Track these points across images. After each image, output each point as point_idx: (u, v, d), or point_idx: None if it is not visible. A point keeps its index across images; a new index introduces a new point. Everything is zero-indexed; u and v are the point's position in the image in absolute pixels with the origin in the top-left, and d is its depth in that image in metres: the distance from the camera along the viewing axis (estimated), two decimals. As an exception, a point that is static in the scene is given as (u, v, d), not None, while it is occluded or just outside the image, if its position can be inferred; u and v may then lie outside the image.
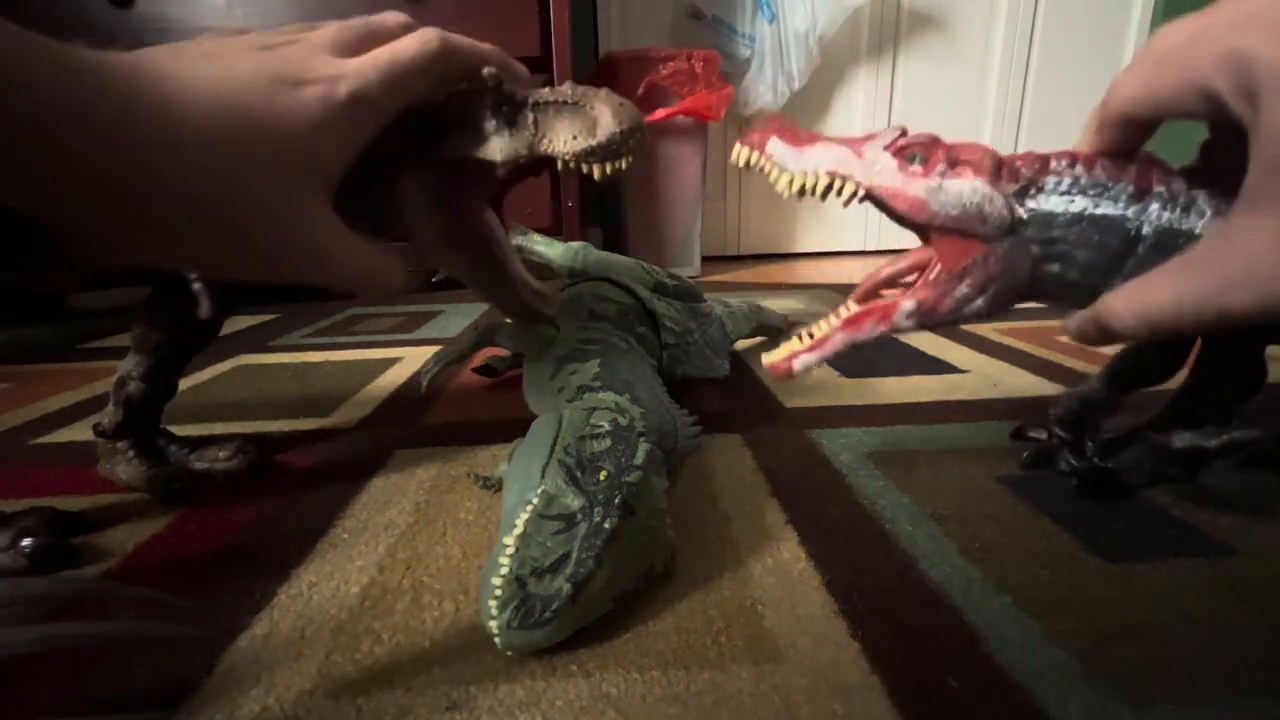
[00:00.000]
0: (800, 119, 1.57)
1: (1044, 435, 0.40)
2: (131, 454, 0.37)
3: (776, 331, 0.73)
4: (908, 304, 0.29)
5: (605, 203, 1.43)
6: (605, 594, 0.25)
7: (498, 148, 0.30)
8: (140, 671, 0.24)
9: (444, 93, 0.30)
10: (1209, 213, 0.25)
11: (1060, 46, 1.55)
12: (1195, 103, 0.21)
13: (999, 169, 0.27)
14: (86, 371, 0.68)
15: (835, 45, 1.47)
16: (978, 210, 0.27)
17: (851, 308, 0.30)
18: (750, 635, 0.25)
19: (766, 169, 0.29)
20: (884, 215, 0.29)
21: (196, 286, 0.30)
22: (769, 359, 0.31)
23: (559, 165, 0.30)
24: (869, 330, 0.29)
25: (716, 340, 0.56)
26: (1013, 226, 0.27)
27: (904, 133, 0.28)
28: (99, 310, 0.93)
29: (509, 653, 0.24)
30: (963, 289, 0.28)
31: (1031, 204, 0.27)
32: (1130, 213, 0.26)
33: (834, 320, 0.30)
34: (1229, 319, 0.21)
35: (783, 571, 0.29)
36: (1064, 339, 0.66)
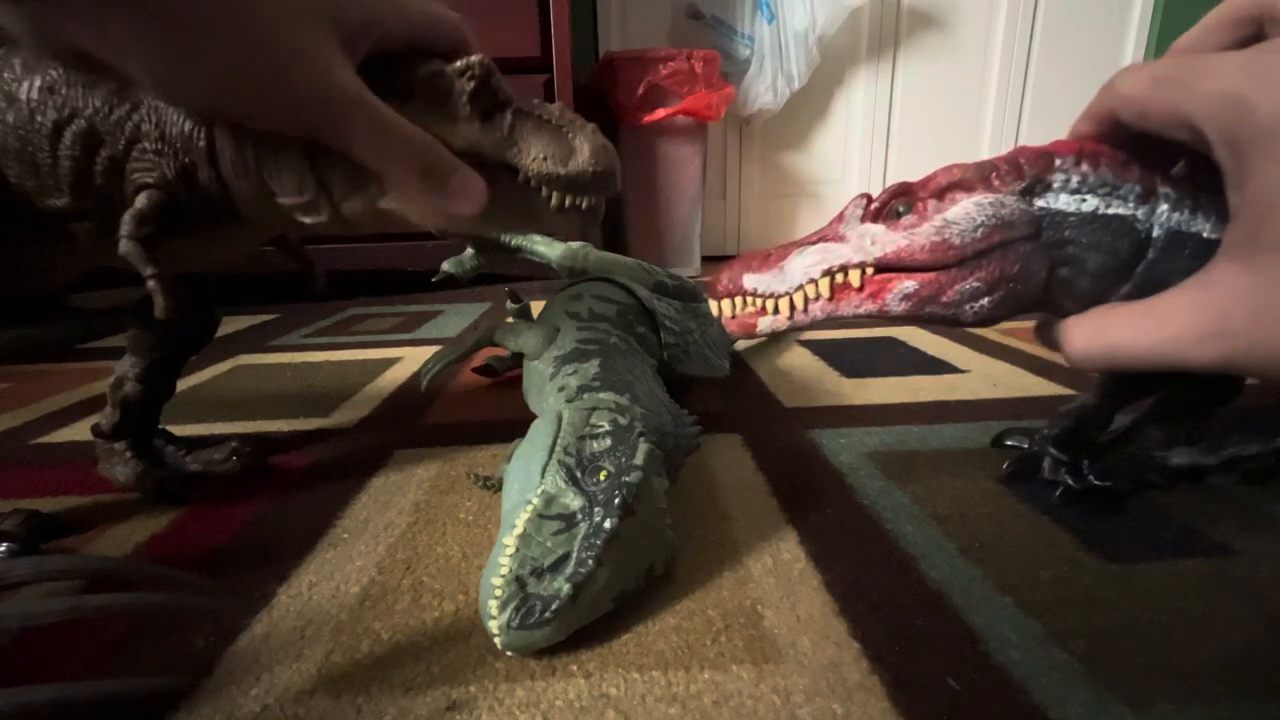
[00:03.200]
0: (800, 119, 1.57)
1: (1025, 443, 0.39)
2: (129, 454, 0.37)
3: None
4: (908, 284, 0.26)
5: (605, 203, 1.43)
6: (605, 594, 0.25)
7: (460, 134, 0.28)
8: (162, 643, 0.25)
9: (430, 54, 0.28)
10: (1214, 216, 0.24)
11: (1060, 46, 1.55)
12: (1179, 131, 0.21)
13: (987, 175, 0.26)
14: (86, 371, 0.68)
15: (835, 45, 1.47)
16: (998, 219, 0.25)
17: (840, 278, 0.27)
18: (750, 635, 0.25)
19: (756, 306, 0.27)
20: (908, 314, 0.26)
21: (151, 284, 0.29)
22: (729, 314, 0.29)
23: (519, 178, 0.28)
24: (854, 305, 0.27)
25: (716, 340, 0.56)
26: (1039, 226, 0.25)
27: (868, 197, 0.27)
28: (99, 310, 0.93)
29: (509, 653, 0.24)
30: (973, 281, 0.26)
31: (1041, 203, 0.25)
32: (1140, 214, 0.25)
33: (824, 287, 0.28)
34: (1187, 369, 0.20)
35: (783, 571, 0.29)
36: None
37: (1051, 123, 1.59)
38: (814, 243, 0.27)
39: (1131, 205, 0.25)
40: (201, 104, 0.25)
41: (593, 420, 0.30)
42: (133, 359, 0.37)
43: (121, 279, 0.36)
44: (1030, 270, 0.25)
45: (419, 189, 0.26)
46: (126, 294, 0.34)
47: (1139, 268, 0.25)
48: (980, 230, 0.25)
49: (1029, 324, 0.28)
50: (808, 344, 0.70)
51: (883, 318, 0.27)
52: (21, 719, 0.19)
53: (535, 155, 0.27)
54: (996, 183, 0.26)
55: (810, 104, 1.56)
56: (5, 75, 0.28)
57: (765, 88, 1.42)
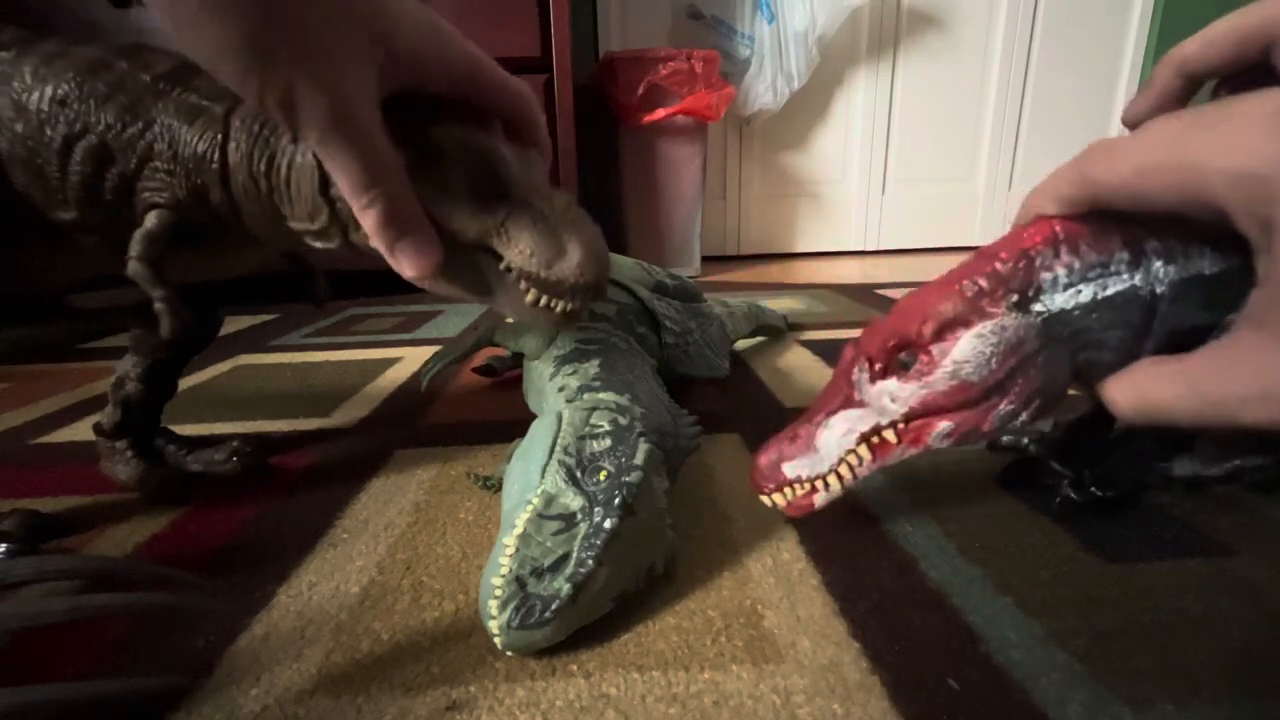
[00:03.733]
0: (800, 119, 1.57)
1: (1019, 446, 0.39)
2: (130, 454, 0.37)
3: (777, 331, 0.73)
4: (944, 425, 0.26)
5: (605, 203, 1.43)
6: (605, 594, 0.25)
7: (448, 211, 0.26)
8: (162, 643, 0.25)
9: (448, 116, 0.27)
10: (1207, 249, 0.24)
11: (1060, 46, 1.55)
12: (1187, 208, 0.20)
13: (977, 303, 0.25)
14: (86, 371, 0.68)
15: (835, 45, 1.47)
16: (1005, 345, 0.24)
17: (880, 435, 0.27)
18: (750, 635, 0.25)
19: (805, 491, 0.27)
20: (948, 441, 0.26)
21: (159, 306, 0.29)
22: (783, 501, 0.28)
23: (501, 265, 0.27)
24: (898, 455, 0.27)
25: (716, 340, 0.56)
26: (1046, 325, 0.25)
27: (868, 357, 0.26)
28: (99, 310, 0.93)
29: (509, 653, 0.24)
30: (1004, 407, 0.25)
31: (1039, 308, 0.25)
32: (1139, 280, 0.24)
33: (864, 453, 0.27)
34: (1239, 427, 0.20)
35: (783, 571, 0.29)
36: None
37: (1051, 123, 1.59)
38: (834, 411, 0.27)
39: (1127, 277, 0.24)
40: (206, 53, 0.23)
41: (593, 420, 0.30)
42: (135, 358, 0.37)
43: (122, 280, 0.36)
44: (1055, 375, 0.25)
45: (373, 232, 0.26)
46: (126, 294, 0.34)
47: (1155, 324, 0.24)
48: (994, 361, 0.24)
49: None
50: (808, 344, 0.70)
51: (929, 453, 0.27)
52: (21, 719, 0.19)
53: (521, 248, 0.26)
54: (989, 307, 0.25)
55: (810, 104, 1.56)
56: (15, 84, 0.28)
57: (765, 88, 1.42)
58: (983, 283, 0.24)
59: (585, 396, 0.34)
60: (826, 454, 0.27)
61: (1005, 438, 0.40)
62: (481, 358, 0.59)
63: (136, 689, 0.23)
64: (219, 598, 0.28)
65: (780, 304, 0.94)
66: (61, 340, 0.84)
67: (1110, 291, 0.24)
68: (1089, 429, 0.34)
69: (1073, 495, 0.33)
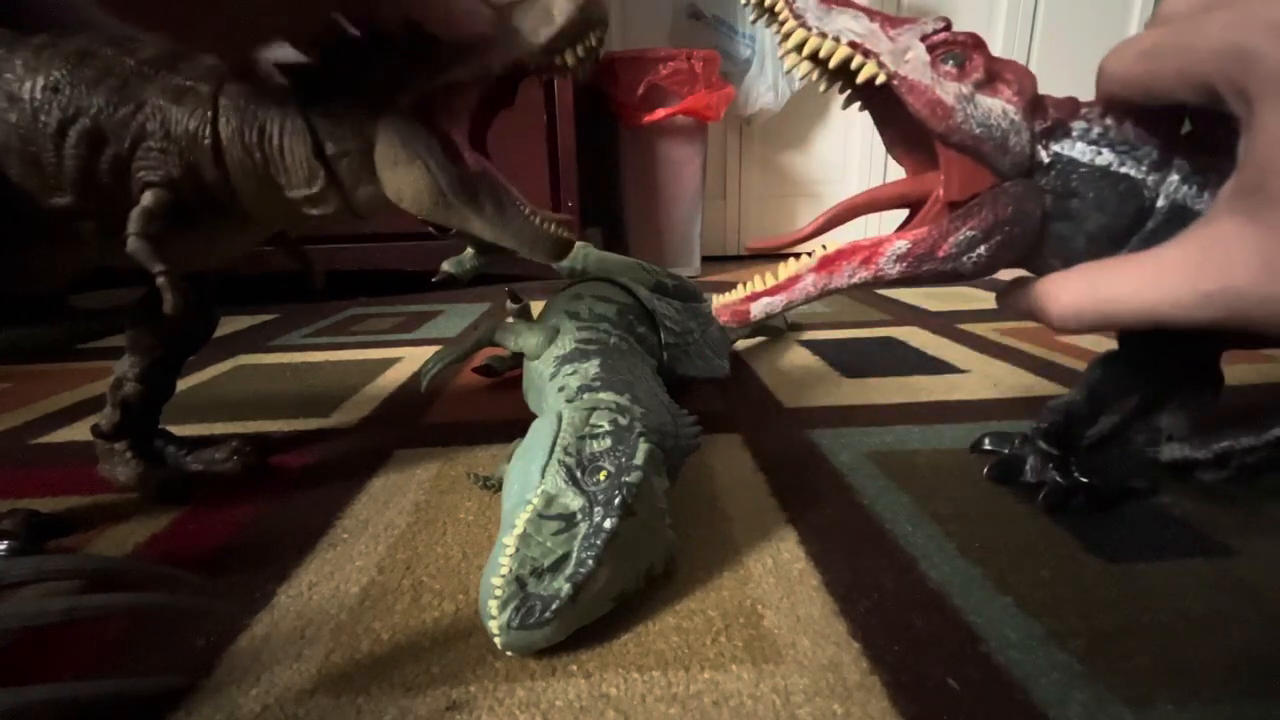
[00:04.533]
0: (800, 119, 1.57)
1: (1004, 448, 0.38)
2: (129, 454, 0.37)
3: (777, 332, 0.73)
4: (900, 244, 0.25)
5: (605, 203, 1.43)
6: (605, 594, 0.25)
7: (463, 67, 0.28)
8: (162, 643, 0.25)
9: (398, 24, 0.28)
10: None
11: (1060, 46, 1.55)
12: (1190, 94, 0.20)
13: (1037, 101, 0.25)
14: (86, 371, 0.68)
15: (835, 45, 1.47)
16: (1002, 136, 0.24)
17: (829, 246, 0.26)
18: (750, 635, 0.25)
19: (782, 16, 0.25)
20: (882, 127, 0.26)
21: (160, 281, 0.29)
22: (722, 301, 0.27)
23: (530, 68, 0.28)
24: (848, 274, 0.26)
25: (716, 340, 0.56)
26: (1031, 169, 0.25)
27: (948, 25, 0.26)
28: (98, 310, 0.93)
29: (509, 653, 0.24)
30: (966, 231, 0.25)
31: (1056, 147, 0.25)
32: (1151, 180, 0.24)
33: (806, 259, 0.26)
34: (1187, 326, 0.20)
35: (783, 571, 0.29)
36: (1064, 339, 0.66)
37: (1051, 123, 1.59)
38: (875, 17, 0.26)
39: (1144, 169, 0.24)
40: None
41: (593, 420, 0.30)
42: (132, 359, 0.37)
43: (121, 279, 0.36)
44: (1024, 211, 0.25)
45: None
46: (126, 294, 0.34)
47: (1135, 237, 0.24)
48: (981, 129, 0.25)
49: (1029, 324, 0.28)
50: (808, 344, 0.70)
51: (880, 285, 0.26)
52: (21, 719, 0.19)
53: (527, 35, 0.28)
54: (1034, 113, 0.25)
55: (810, 104, 1.55)
56: (7, 75, 0.28)
57: (765, 88, 1.42)
58: (1046, 96, 0.25)
59: (585, 396, 0.34)
60: (830, 21, 0.25)
61: (988, 442, 0.40)
62: (481, 358, 0.59)
63: (136, 689, 0.23)
64: (219, 598, 0.28)
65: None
66: (61, 340, 0.84)
67: (1121, 170, 0.24)
68: (1076, 415, 0.34)
69: (1059, 479, 0.33)
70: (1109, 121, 0.25)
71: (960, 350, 0.66)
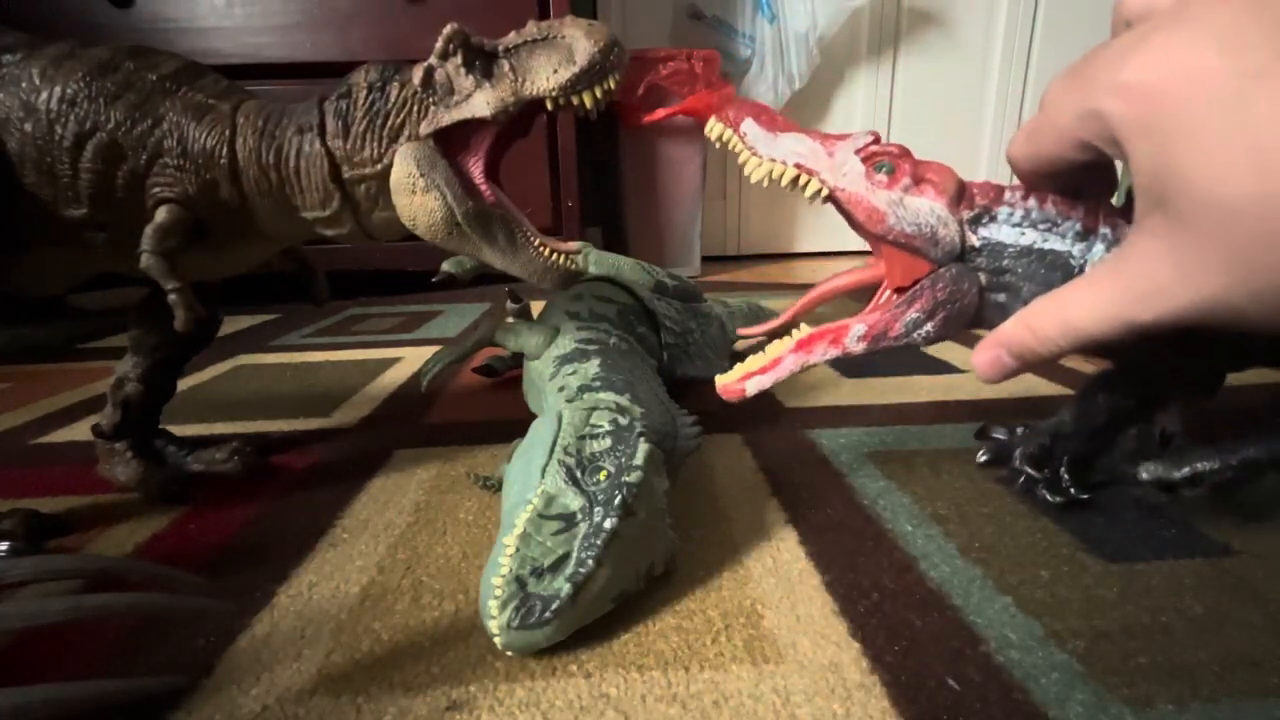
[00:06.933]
0: (800, 119, 1.57)
1: (1004, 435, 0.40)
2: (129, 455, 0.37)
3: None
4: (858, 327, 0.29)
5: (605, 203, 1.43)
6: (605, 594, 0.25)
7: (483, 102, 0.29)
8: (162, 643, 0.25)
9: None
10: None
11: (1060, 46, 1.55)
12: (1077, 153, 0.23)
13: (960, 194, 0.28)
14: (86, 371, 0.68)
15: (835, 45, 1.47)
16: (931, 232, 0.27)
17: (804, 329, 0.30)
18: (750, 635, 0.25)
19: (736, 149, 0.29)
20: (842, 218, 0.29)
21: (172, 298, 0.29)
22: (722, 381, 0.31)
23: (549, 106, 0.29)
24: (820, 353, 0.30)
25: (716, 340, 0.56)
26: (963, 253, 0.27)
27: (876, 139, 0.29)
28: (98, 310, 0.93)
29: (509, 653, 0.24)
30: (912, 313, 0.28)
31: (984, 232, 0.27)
32: (1076, 250, 0.26)
33: (787, 341, 0.30)
34: (1137, 330, 0.22)
35: (783, 571, 0.29)
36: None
37: (1051, 123, 1.58)
38: (816, 140, 0.29)
39: (1069, 241, 0.26)
40: None
41: (593, 420, 0.30)
42: (134, 359, 0.37)
43: (122, 279, 0.36)
44: (961, 290, 0.28)
45: None
46: (126, 294, 0.34)
47: None
48: (912, 229, 0.27)
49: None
50: (808, 344, 0.70)
51: (850, 358, 0.30)
52: (21, 719, 0.19)
53: (545, 74, 0.28)
54: (964, 208, 0.28)
55: (810, 104, 1.55)
56: (23, 85, 0.28)
57: (766, 88, 1.42)
58: (972, 186, 0.28)
59: (585, 396, 0.34)
60: (778, 148, 0.28)
61: (994, 430, 0.40)
62: (481, 358, 0.59)
63: (136, 689, 0.23)
64: (219, 598, 0.28)
65: (780, 304, 0.94)
66: (61, 340, 0.84)
67: (1046, 246, 0.27)
68: (1063, 437, 0.35)
69: (1049, 498, 0.34)
70: (1031, 203, 0.27)
71: (960, 350, 0.66)
